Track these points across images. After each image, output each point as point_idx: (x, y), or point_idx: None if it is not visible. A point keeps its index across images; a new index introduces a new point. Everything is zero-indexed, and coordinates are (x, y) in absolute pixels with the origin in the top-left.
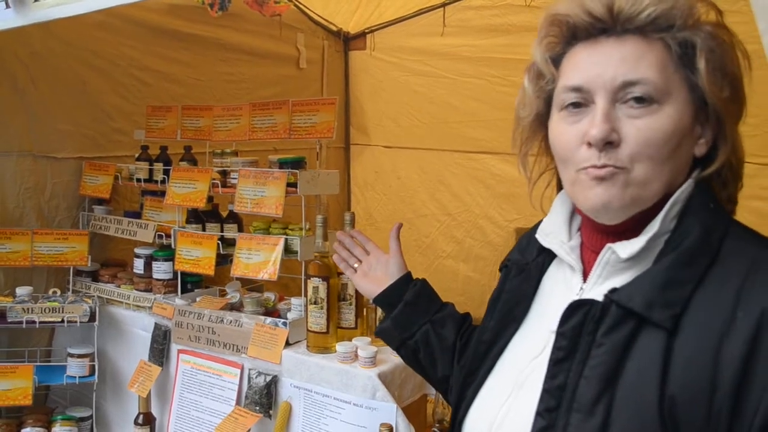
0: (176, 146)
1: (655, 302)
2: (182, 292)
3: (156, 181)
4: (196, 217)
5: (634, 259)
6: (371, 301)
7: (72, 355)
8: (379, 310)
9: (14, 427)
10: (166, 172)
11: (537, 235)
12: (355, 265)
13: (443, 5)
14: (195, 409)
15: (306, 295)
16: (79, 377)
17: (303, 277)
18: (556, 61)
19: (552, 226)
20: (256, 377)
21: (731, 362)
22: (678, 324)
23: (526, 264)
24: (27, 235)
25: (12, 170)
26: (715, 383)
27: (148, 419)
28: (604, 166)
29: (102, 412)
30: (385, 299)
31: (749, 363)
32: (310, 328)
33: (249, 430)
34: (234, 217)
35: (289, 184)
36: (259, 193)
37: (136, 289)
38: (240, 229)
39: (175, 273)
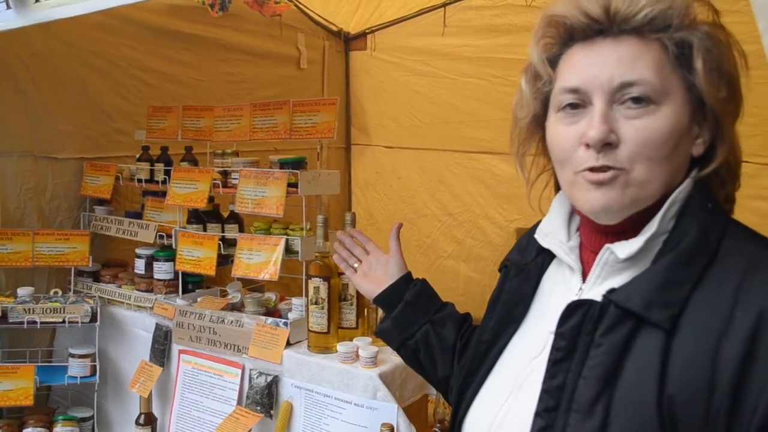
0: (177, 147)
1: (653, 302)
2: (183, 293)
3: (157, 182)
4: (197, 217)
5: (632, 259)
6: (371, 302)
7: (73, 356)
8: (380, 310)
9: (16, 427)
10: (167, 173)
11: (536, 236)
12: (355, 265)
13: (444, 5)
14: (196, 410)
15: (307, 296)
16: (81, 377)
17: (304, 277)
18: (553, 62)
19: (551, 226)
20: (257, 377)
21: (729, 362)
22: (676, 324)
23: (526, 264)
24: (28, 235)
25: (13, 171)
26: (714, 383)
27: (149, 419)
28: (602, 167)
29: (103, 413)
30: (385, 299)
31: (747, 363)
32: (311, 328)
33: (250, 430)
34: (235, 218)
35: (289, 185)
36: (260, 193)
37: (137, 290)
38: (241, 230)
39: (176, 273)
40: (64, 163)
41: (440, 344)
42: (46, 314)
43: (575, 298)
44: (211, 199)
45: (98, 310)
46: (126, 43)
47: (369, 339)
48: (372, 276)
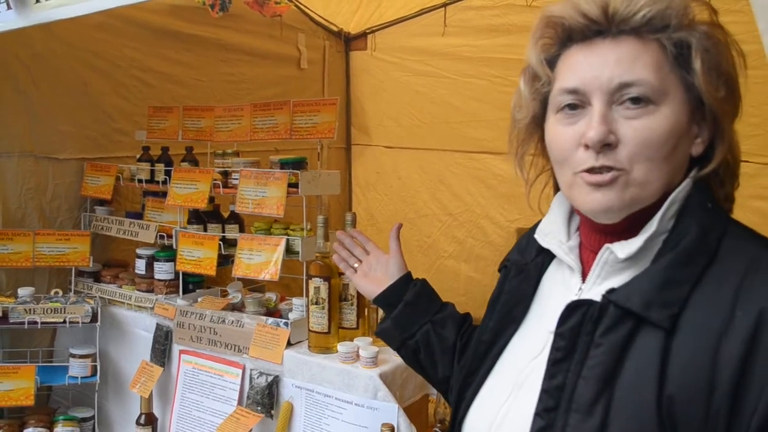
0: (177, 147)
1: (653, 302)
2: (184, 293)
3: (157, 182)
4: (197, 217)
5: (632, 259)
6: (371, 302)
7: (74, 356)
8: (381, 310)
9: (16, 427)
10: (168, 173)
11: (536, 236)
12: (355, 266)
13: (444, 5)
14: (197, 410)
15: (307, 296)
16: (81, 378)
17: (304, 277)
18: (551, 62)
19: (551, 226)
20: (257, 377)
21: (729, 362)
22: (676, 324)
23: (525, 264)
24: (29, 236)
25: (14, 171)
26: (714, 383)
27: (149, 419)
28: (602, 168)
29: (104, 413)
30: (385, 299)
31: (747, 362)
32: (311, 329)
33: (251, 430)
34: (235, 218)
35: (290, 185)
36: (261, 193)
37: (138, 290)
38: (241, 230)
39: (176, 273)
40: (65, 164)
41: (440, 344)
42: (47, 314)
43: (575, 298)
44: (211, 200)
45: (99, 310)
46: (126, 44)
47: (369, 339)
48: (372, 276)
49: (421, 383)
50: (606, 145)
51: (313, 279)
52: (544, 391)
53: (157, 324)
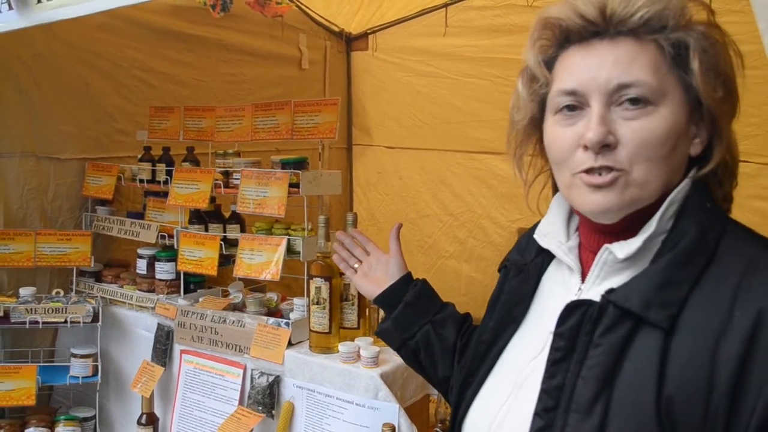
0: (179, 147)
1: (652, 302)
2: (185, 293)
3: (159, 182)
4: (198, 217)
5: (631, 259)
6: (371, 302)
7: (75, 356)
8: (381, 311)
9: (18, 427)
10: (169, 173)
11: (535, 236)
12: (356, 266)
13: (445, 6)
14: (198, 409)
15: (308, 296)
16: (83, 377)
17: (305, 277)
18: (549, 64)
19: (550, 226)
20: (258, 377)
21: (728, 362)
22: (675, 324)
23: (525, 264)
24: (30, 235)
25: (15, 171)
26: (712, 383)
27: (151, 419)
28: (601, 168)
29: (105, 413)
30: (385, 300)
31: (746, 362)
32: (312, 329)
33: (252, 430)
34: (236, 218)
35: (291, 185)
36: (262, 193)
37: (139, 290)
38: (242, 230)
39: (177, 273)
40: (66, 164)
41: (440, 344)
42: (48, 314)
43: (574, 298)
44: (212, 200)
45: (100, 310)
46: (128, 44)
47: (370, 339)
48: (372, 276)
49: (422, 383)
50: (605, 146)
51: (314, 279)
52: (544, 391)
53: (159, 324)
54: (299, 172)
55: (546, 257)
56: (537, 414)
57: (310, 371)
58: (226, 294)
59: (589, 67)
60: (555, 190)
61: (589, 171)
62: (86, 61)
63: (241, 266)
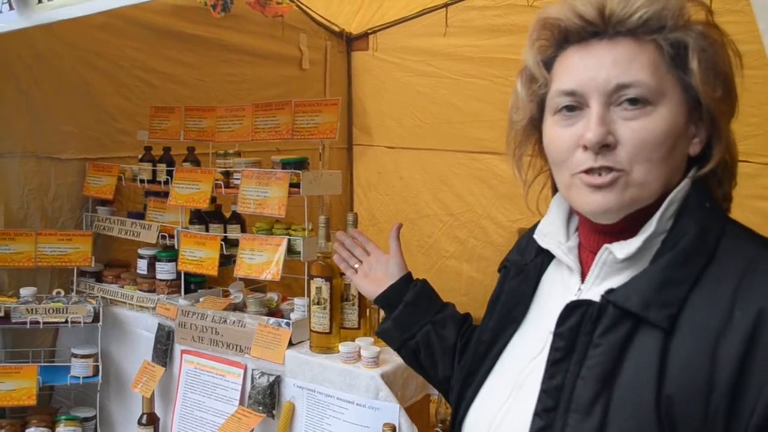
0: (179, 147)
1: (651, 302)
2: (185, 293)
3: (159, 182)
4: (199, 217)
5: (631, 259)
6: (372, 302)
7: (76, 356)
8: (382, 311)
9: (18, 427)
10: (170, 173)
11: (535, 236)
12: (356, 266)
13: (446, 6)
14: (198, 410)
15: (309, 296)
16: (83, 377)
17: (306, 277)
18: (548, 64)
19: (550, 226)
20: (259, 377)
21: (728, 361)
22: (675, 324)
23: (525, 265)
24: (31, 236)
25: (16, 171)
26: (712, 383)
27: (151, 419)
28: (601, 168)
29: (106, 413)
30: (385, 300)
31: (746, 362)
32: (313, 329)
33: (252, 430)
34: (237, 218)
35: (291, 185)
36: (262, 193)
37: (140, 290)
38: (243, 230)
39: (178, 273)
40: (67, 164)
41: (441, 345)
42: (49, 314)
43: (574, 298)
44: (213, 200)
45: (101, 310)
46: (128, 44)
47: (371, 339)
48: (372, 276)
49: (423, 383)
50: (604, 146)
51: (314, 279)
52: (544, 391)
53: (159, 324)
54: (300, 172)
55: (546, 257)
56: (537, 414)
57: (311, 371)
58: (226, 294)
59: (588, 68)
60: (555, 190)
61: (588, 171)
62: (87, 61)
63: (242, 266)
